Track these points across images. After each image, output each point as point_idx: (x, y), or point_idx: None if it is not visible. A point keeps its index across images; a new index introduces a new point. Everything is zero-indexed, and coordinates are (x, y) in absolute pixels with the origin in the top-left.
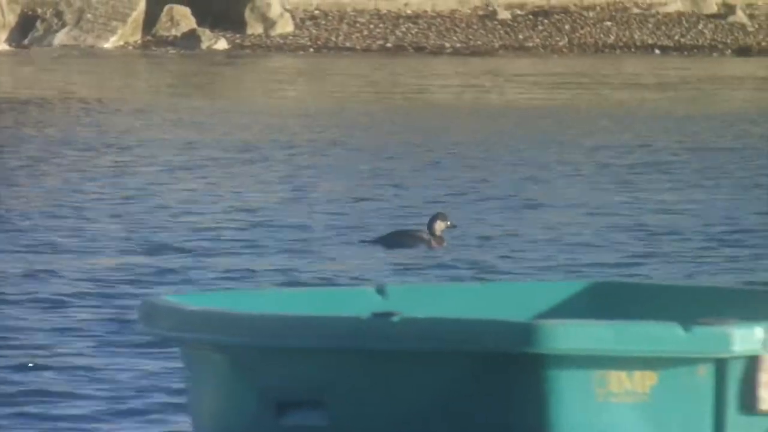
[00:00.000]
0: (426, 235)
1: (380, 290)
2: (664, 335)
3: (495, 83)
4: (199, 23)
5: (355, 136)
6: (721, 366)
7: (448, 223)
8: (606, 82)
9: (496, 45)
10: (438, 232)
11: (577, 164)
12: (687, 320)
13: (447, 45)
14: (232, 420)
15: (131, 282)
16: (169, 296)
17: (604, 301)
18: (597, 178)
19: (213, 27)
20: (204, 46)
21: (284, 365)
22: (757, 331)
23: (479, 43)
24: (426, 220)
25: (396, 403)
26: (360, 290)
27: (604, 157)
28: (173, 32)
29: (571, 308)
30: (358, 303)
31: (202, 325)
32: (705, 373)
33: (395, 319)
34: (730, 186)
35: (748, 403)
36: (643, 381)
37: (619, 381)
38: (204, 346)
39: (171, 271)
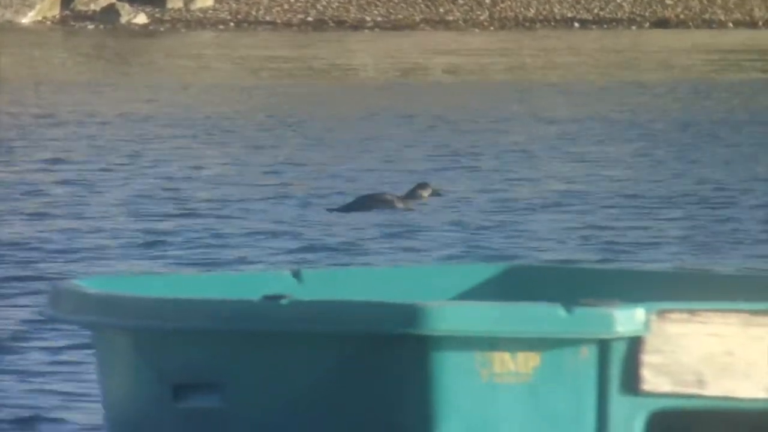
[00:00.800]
0: (393, 198)
1: (296, 274)
2: (545, 316)
3: (417, 57)
4: None
5: (280, 110)
6: (603, 347)
7: (430, 191)
8: (528, 54)
9: (417, 19)
10: (420, 199)
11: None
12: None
13: (368, 19)
14: (132, 403)
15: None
16: (76, 280)
17: (518, 284)
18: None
19: (132, 1)
20: (123, 20)
21: (179, 348)
22: (639, 312)
23: (400, 16)
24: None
25: (287, 385)
26: (275, 274)
27: (530, 128)
28: (92, 6)
29: (484, 291)
30: (272, 287)
31: (101, 309)
32: (588, 354)
33: (284, 302)
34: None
35: (630, 383)
36: (527, 362)
37: (503, 362)
38: (105, 330)
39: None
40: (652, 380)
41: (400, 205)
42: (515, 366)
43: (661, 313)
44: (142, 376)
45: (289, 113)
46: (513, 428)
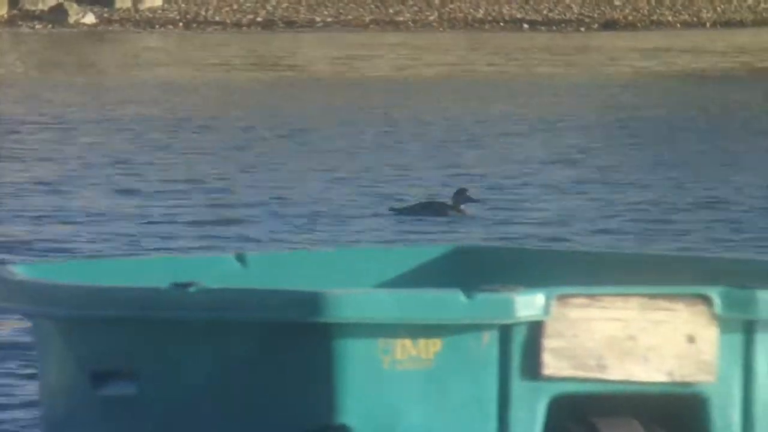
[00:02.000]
0: (451, 208)
1: (240, 258)
2: (446, 302)
3: (367, 57)
4: None
5: (230, 109)
6: (504, 332)
7: (470, 197)
8: (476, 54)
9: (367, 19)
10: (462, 206)
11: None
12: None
13: (318, 19)
14: (58, 390)
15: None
16: (13, 265)
17: (465, 265)
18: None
19: (81, 1)
20: (72, 20)
21: (95, 336)
22: (539, 297)
23: (350, 17)
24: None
25: (197, 372)
26: (219, 258)
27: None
28: (40, 6)
29: (431, 273)
30: (215, 271)
31: (29, 296)
32: (489, 340)
33: (191, 289)
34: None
35: (532, 368)
36: (428, 348)
37: (404, 348)
38: (33, 317)
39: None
40: (553, 365)
41: (452, 212)
42: (417, 352)
43: (562, 298)
44: (64, 364)
45: (241, 111)
46: (415, 414)
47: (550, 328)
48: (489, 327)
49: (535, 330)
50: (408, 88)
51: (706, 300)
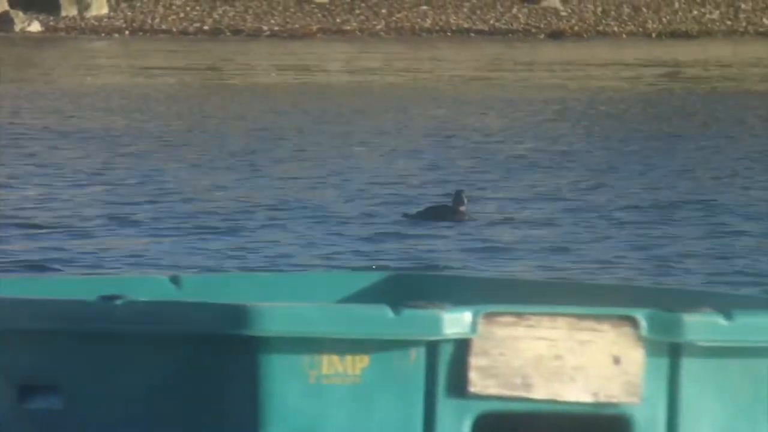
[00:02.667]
0: (455, 211)
1: (174, 279)
2: (373, 318)
3: (313, 67)
4: (12, 5)
5: (179, 115)
6: (431, 349)
7: (467, 199)
8: (420, 64)
9: (314, 28)
10: (462, 208)
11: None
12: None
13: (265, 28)
14: None
15: None
16: None
17: (402, 292)
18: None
19: (26, 9)
20: (17, 28)
21: (22, 349)
22: (467, 315)
23: (297, 26)
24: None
25: (124, 386)
26: (153, 279)
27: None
28: None
29: (367, 299)
30: (148, 292)
31: None
32: (416, 356)
33: (118, 302)
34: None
35: (458, 386)
36: (354, 363)
37: (331, 363)
38: None
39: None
40: (479, 383)
41: (463, 217)
42: (343, 368)
43: (489, 316)
44: None
45: (189, 118)
46: (341, 429)
47: (477, 346)
48: (416, 344)
49: (462, 348)
50: (357, 95)
51: (633, 322)
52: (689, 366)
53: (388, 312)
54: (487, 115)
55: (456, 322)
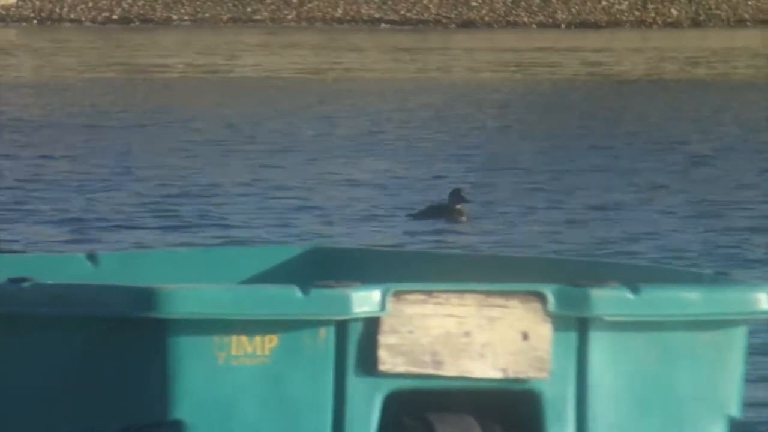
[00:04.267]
0: (454, 211)
1: (91, 257)
2: (282, 298)
3: (223, 56)
4: None
5: (88, 106)
6: (341, 328)
7: (465, 198)
8: (333, 54)
9: (225, 18)
10: (459, 207)
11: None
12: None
13: (174, 17)
14: None
15: None
16: None
17: (319, 265)
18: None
19: None
20: None
21: None
22: (376, 293)
23: (207, 15)
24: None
25: (34, 368)
26: (69, 256)
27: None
28: None
29: (284, 273)
30: (66, 269)
31: None
32: (325, 336)
33: (26, 284)
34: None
35: (368, 364)
36: (264, 344)
37: (240, 344)
38: None
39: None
40: (388, 361)
41: (463, 217)
42: (253, 348)
43: (398, 294)
44: None
45: (103, 108)
46: (250, 410)
47: (386, 324)
48: (325, 323)
49: (371, 326)
50: (268, 87)
51: (541, 297)
52: (597, 340)
53: (297, 292)
54: (385, 103)
55: (365, 300)
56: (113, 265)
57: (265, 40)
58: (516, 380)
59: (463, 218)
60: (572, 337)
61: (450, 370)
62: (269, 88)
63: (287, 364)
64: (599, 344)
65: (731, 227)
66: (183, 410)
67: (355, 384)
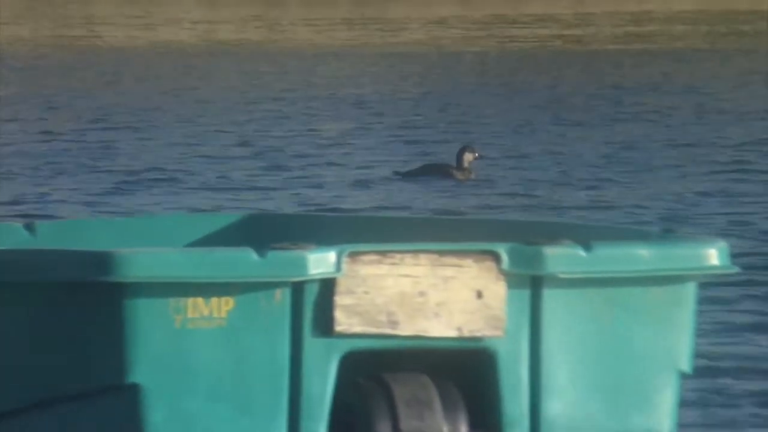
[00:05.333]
0: (454, 169)
1: (28, 227)
2: (237, 260)
3: (160, 26)
4: None
5: None
6: (297, 289)
7: (476, 154)
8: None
9: None
10: (466, 164)
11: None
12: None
13: None
14: None
15: None
16: None
17: (257, 231)
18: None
19: None
20: None
21: None
22: (331, 255)
23: None
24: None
25: None
26: (6, 226)
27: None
28: None
29: (222, 239)
30: (3, 239)
31: None
32: (281, 297)
33: None
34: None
35: (324, 325)
36: (220, 306)
37: (196, 307)
38: None
39: None
40: (344, 321)
41: (460, 176)
42: (209, 311)
43: (353, 255)
44: None
45: None
46: (208, 373)
47: (342, 285)
48: (281, 285)
49: (327, 287)
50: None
51: (494, 256)
52: (551, 298)
53: (252, 254)
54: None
55: (320, 261)
56: (51, 234)
57: (202, 9)
58: (471, 339)
59: (472, 176)
60: (526, 294)
61: (406, 329)
62: (206, 58)
63: (243, 327)
64: (553, 302)
65: (675, 188)
66: (140, 374)
67: (312, 345)
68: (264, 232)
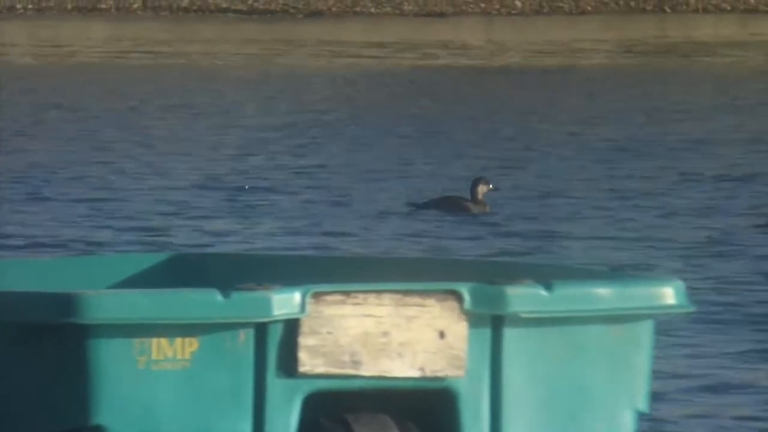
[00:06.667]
0: (469, 202)
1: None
2: (202, 301)
3: (70, 46)
4: None
5: None
6: (260, 330)
7: (490, 186)
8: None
9: (69, 6)
10: (480, 197)
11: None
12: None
13: (18, 6)
14: None
15: None
16: None
17: (183, 272)
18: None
19: None
20: None
21: None
22: (296, 295)
23: (51, 3)
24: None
25: None
26: None
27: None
28: None
29: (147, 280)
30: None
31: None
32: (245, 338)
33: None
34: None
35: (288, 366)
36: (184, 347)
37: (160, 348)
38: None
39: None
40: (308, 362)
41: (474, 209)
42: (173, 352)
43: (317, 296)
44: None
45: None
46: (171, 414)
47: (306, 325)
48: (245, 325)
49: (291, 328)
50: (114, 74)
51: (456, 295)
52: (512, 337)
53: (217, 295)
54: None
55: (285, 302)
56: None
57: (109, 29)
58: (433, 379)
59: (486, 209)
60: (487, 334)
61: (369, 369)
62: (115, 76)
63: (208, 368)
64: (513, 341)
65: (633, 224)
66: (104, 415)
67: (275, 386)
68: (178, 274)
